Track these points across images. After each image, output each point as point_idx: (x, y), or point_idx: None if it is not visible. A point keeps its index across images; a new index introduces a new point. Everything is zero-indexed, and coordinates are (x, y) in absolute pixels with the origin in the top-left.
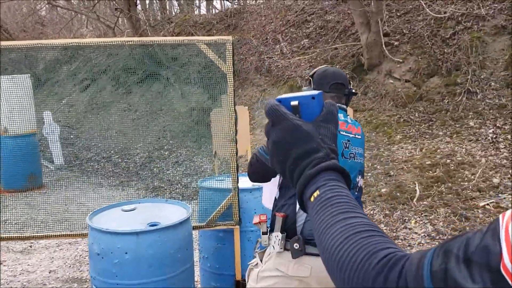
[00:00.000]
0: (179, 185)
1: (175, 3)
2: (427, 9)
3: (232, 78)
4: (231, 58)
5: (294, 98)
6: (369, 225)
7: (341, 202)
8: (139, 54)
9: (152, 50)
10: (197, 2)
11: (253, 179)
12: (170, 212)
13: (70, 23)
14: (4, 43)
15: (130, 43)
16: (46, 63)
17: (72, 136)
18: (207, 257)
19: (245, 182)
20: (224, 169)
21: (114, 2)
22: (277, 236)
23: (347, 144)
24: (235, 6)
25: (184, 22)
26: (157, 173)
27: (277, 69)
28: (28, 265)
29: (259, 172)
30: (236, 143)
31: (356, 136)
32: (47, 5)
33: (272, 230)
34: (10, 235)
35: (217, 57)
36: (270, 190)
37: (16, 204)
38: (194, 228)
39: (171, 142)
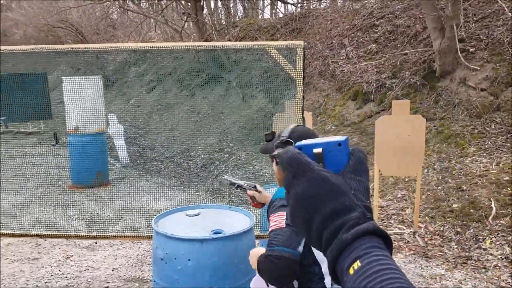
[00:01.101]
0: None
1: (240, 7)
2: (510, 13)
3: (301, 83)
4: (301, 63)
5: (317, 145)
6: None
7: (392, 278)
8: (204, 58)
9: (216, 53)
10: (261, 6)
11: (279, 284)
12: (234, 220)
13: (139, 26)
14: (77, 45)
15: (202, 47)
16: (116, 65)
17: (137, 136)
18: None
19: None
20: None
21: (181, 6)
22: None
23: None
24: (299, 10)
25: (249, 26)
26: (217, 175)
27: (342, 74)
28: (93, 261)
29: (286, 274)
30: None
31: None
32: (119, 9)
33: None
34: (77, 233)
35: (286, 62)
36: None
37: (84, 200)
38: (257, 237)
39: (231, 145)
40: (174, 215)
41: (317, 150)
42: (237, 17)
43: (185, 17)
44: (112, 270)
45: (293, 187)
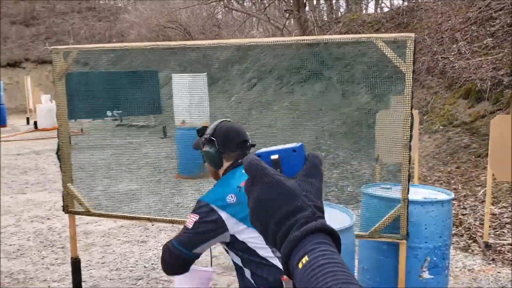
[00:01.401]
0: (334, 187)
1: (343, 3)
2: None
3: (411, 77)
4: (411, 56)
5: (274, 152)
6: None
7: (335, 271)
8: (304, 54)
9: (317, 50)
10: (365, 0)
11: (171, 273)
12: (332, 217)
13: (243, 25)
14: (187, 42)
15: (307, 41)
16: (219, 63)
17: None
18: (367, 269)
19: (416, 193)
20: (385, 176)
21: (284, 4)
22: None
23: None
24: (406, 4)
25: (352, 22)
26: None
27: (453, 71)
28: None
29: (177, 270)
30: (410, 150)
31: None
32: (224, 9)
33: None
34: (182, 219)
35: (395, 55)
36: (184, 280)
37: (188, 189)
38: (356, 236)
39: (328, 142)
40: None
41: (274, 156)
42: (339, 13)
43: (287, 15)
44: (212, 257)
45: (251, 192)
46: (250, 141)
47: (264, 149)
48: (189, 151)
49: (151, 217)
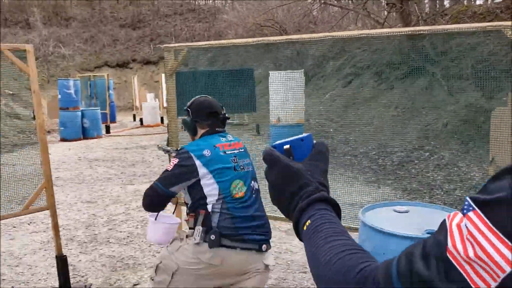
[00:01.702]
0: (440, 190)
1: None
2: None
3: None
4: None
5: (286, 143)
6: (353, 245)
7: (330, 227)
8: (406, 49)
9: (420, 44)
10: None
11: (147, 209)
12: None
13: (340, 21)
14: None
15: (410, 33)
16: (314, 60)
17: (331, 130)
18: None
19: None
20: None
21: None
22: (199, 229)
23: (236, 160)
24: None
25: (460, 14)
26: (416, 175)
27: None
28: (291, 245)
29: (154, 203)
30: None
31: (240, 150)
32: (322, 5)
33: (195, 225)
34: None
35: None
36: (154, 229)
37: None
38: None
39: (432, 143)
40: (381, 210)
41: (286, 146)
42: (446, 4)
43: (389, 8)
44: (175, 209)
45: (269, 177)
46: (223, 114)
47: (278, 141)
48: None
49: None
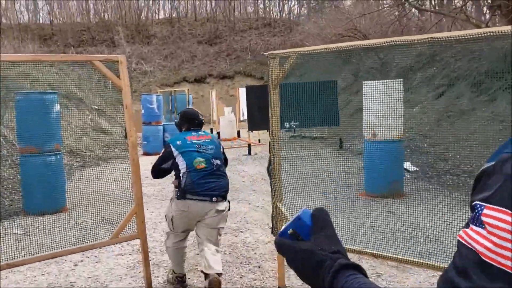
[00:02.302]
0: None
1: None
2: None
3: None
4: None
5: (288, 227)
6: None
7: (363, 283)
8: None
9: None
10: None
11: (154, 178)
12: None
13: (432, 28)
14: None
15: None
16: (398, 70)
17: (425, 145)
18: None
19: None
20: None
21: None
22: (175, 190)
23: (200, 146)
24: None
25: None
26: None
27: None
28: (406, 284)
29: (156, 174)
30: None
31: (206, 139)
32: (409, 12)
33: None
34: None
35: None
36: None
37: (380, 210)
38: None
39: None
40: None
41: (290, 231)
42: None
43: (492, 11)
44: None
45: (288, 262)
46: (198, 120)
47: (282, 228)
48: (381, 167)
49: (366, 250)
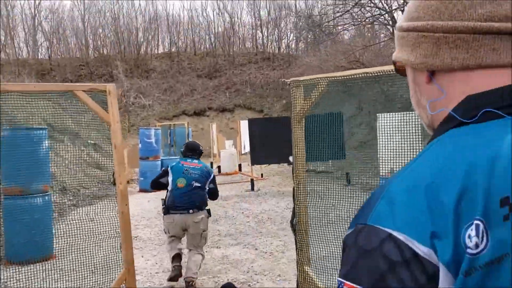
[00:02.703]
0: None
1: None
2: None
3: None
4: None
5: None
6: None
7: None
8: None
9: None
10: None
11: (152, 189)
12: None
13: None
14: None
15: None
16: (403, 102)
17: None
18: None
19: None
20: None
21: None
22: (163, 205)
23: (187, 170)
24: None
25: None
26: None
27: None
28: None
29: (154, 186)
30: None
31: (196, 166)
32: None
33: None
34: None
35: None
36: None
37: None
38: None
39: None
40: None
41: None
42: None
43: None
44: None
45: None
46: (199, 149)
47: None
48: None
49: None
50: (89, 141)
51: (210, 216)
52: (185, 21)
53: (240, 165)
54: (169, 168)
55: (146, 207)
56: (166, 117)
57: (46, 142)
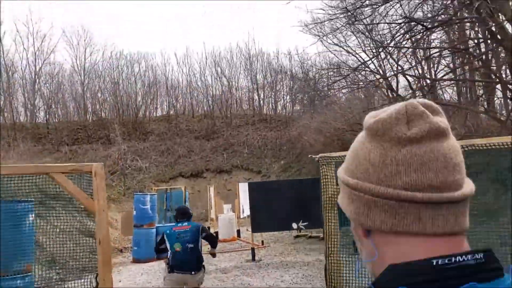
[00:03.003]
0: None
1: None
2: None
3: None
4: None
5: None
6: None
7: None
8: None
9: None
10: None
11: (157, 253)
12: None
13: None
14: None
15: None
16: None
17: None
18: None
19: None
20: None
21: None
22: (166, 266)
23: (179, 234)
24: None
25: None
26: None
27: None
28: None
29: (156, 251)
30: None
31: (185, 229)
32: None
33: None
34: None
35: None
36: None
37: None
38: None
39: None
40: None
41: None
42: None
43: None
44: None
45: None
46: (188, 213)
47: None
48: None
49: None
50: (82, 206)
51: (205, 271)
52: (184, 85)
53: (238, 231)
54: (164, 235)
55: (139, 280)
56: (162, 179)
57: (31, 216)
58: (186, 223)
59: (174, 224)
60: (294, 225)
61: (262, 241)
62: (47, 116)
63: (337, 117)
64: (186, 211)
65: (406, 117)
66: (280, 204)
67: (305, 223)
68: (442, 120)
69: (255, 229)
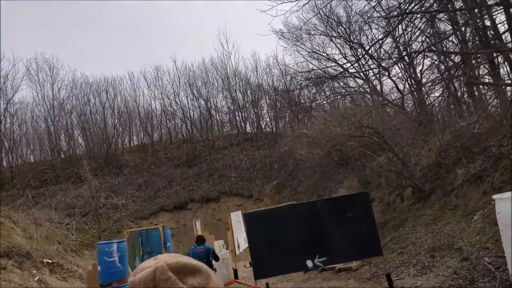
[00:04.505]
0: None
1: None
2: None
3: None
4: None
5: None
6: None
7: None
8: None
9: None
10: None
11: None
12: None
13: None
14: None
15: None
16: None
17: None
18: None
19: None
20: None
21: None
22: None
23: (197, 254)
24: None
25: None
26: None
27: None
28: None
29: None
30: None
31: (201, 251)
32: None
33: None
34: None
35: None
36: None
37: None
38: None
39: None
40: None
41: None
42: None
43: None
44: None
45: None
46: (202, 239)
47: None
48: None
49: None
50: (44, 260)
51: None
52: (158, 109)
53: (236, 271)
54: (190, 254)
55: None
56: (142, 216)
57: None
58: (202, 246)
59: (194, 246)
60: (309, 263)
61: (267, 284)
62: (10, 159)
63: (343, 121)
64: (201, 238)
65: (154, 283)
66: (287, 238)
67: (323, 259)
68: (196, 281)
69: (258, 275)
